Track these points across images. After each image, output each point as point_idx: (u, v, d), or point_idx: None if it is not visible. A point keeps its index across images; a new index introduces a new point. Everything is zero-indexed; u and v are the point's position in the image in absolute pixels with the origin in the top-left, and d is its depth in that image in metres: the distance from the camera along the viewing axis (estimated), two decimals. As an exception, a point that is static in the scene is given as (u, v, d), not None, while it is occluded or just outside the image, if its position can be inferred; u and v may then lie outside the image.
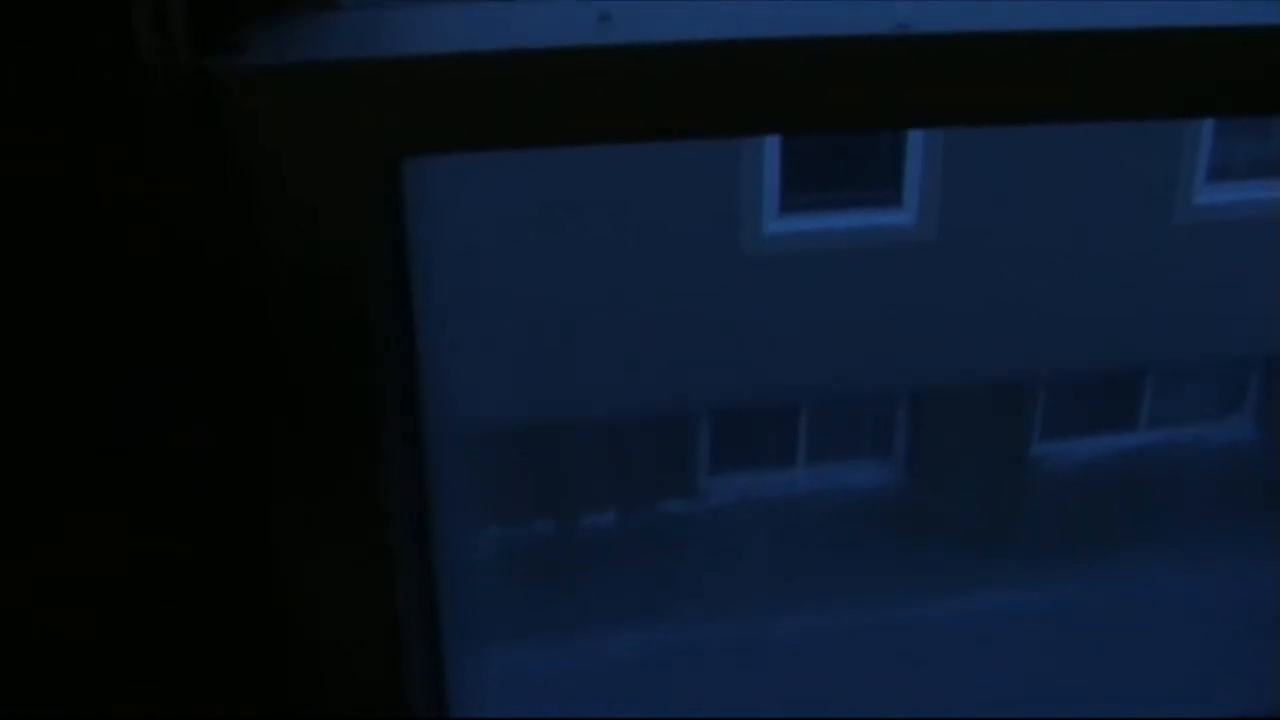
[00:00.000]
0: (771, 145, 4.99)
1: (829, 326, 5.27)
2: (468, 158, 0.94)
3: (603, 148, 0.91)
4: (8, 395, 0.81)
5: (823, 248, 5.25)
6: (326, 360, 0.91)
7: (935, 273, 5.30)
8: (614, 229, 4.90)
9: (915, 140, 5.08)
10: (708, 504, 5.60)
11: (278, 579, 0.96)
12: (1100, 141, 4.99)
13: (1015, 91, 0.88)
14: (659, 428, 5.44)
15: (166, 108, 0.77)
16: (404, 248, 1.05)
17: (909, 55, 0.83)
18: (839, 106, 0.87)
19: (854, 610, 5.59)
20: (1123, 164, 5.16)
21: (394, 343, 0.99)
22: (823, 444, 5.69)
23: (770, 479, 5.68)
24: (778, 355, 5.28)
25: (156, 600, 0.89)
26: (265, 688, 0.97)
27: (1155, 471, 5.80)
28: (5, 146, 0.75)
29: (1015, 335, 5.42)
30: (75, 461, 0.84)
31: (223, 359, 0.83)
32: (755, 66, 0.84)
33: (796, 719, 4.00)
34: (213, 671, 0.93)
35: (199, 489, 0.86)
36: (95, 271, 0.79)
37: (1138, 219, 5.28)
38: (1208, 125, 5.14)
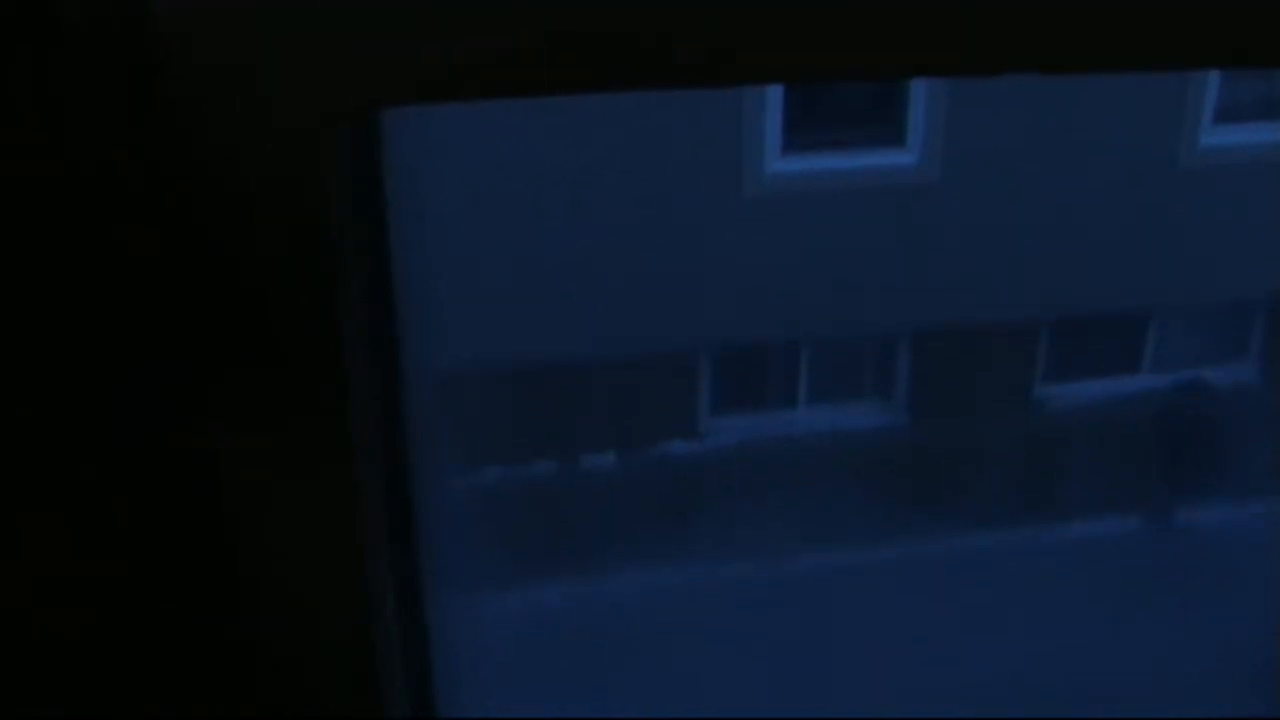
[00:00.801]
0: (774, 86, 4.94)
1: (831, 267, 5.25)
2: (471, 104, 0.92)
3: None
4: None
5: (825, 188, 5.21)
6: (282, 302, 0.89)
7: (937, 213, 5.26)
8: (616, 171, 4.87)
9: (918, 81, 5.03)
10: (709, 445, 5.59)
11: (234, 519, 0.93)
12: (1106, 83, 4.95)
13: (1020, 41, 0.85)
14: (661, 369, 5.42)
15: (105, 44, 0.76)
16: (379, 193, 1.02)
17: (909, 5, 0.81)
18: (840, 55, 0.84)
19: (855, 549, 5.58)
20: (1129, 106, 5.11)
21: (361, 285, 0.97)
22: (824, 385, 5.67)
23: (772, 420, 5.67)
24: (779, 296, 5.26)
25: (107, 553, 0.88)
26: (225, 637, 0.95)
27: (1158, 412, 5.78)
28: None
29: (1018, 277, 5.39)
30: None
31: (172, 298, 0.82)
32: (751, 15, 0.82)
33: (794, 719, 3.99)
34: (172, 619, 0.91)
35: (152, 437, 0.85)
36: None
37: (1143, 161, 5.23)
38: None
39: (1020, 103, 5.09)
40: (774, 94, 5.11)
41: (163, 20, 0.77)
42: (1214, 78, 5.17)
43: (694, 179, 5.04)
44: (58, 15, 0.76)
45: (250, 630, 0.95)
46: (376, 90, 0.87)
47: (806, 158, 5.17)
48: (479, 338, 4.93)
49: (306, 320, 0.87)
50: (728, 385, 5.61)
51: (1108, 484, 5.70)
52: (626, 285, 4.98)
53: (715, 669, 5.01)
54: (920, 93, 5.19)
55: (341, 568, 0.95)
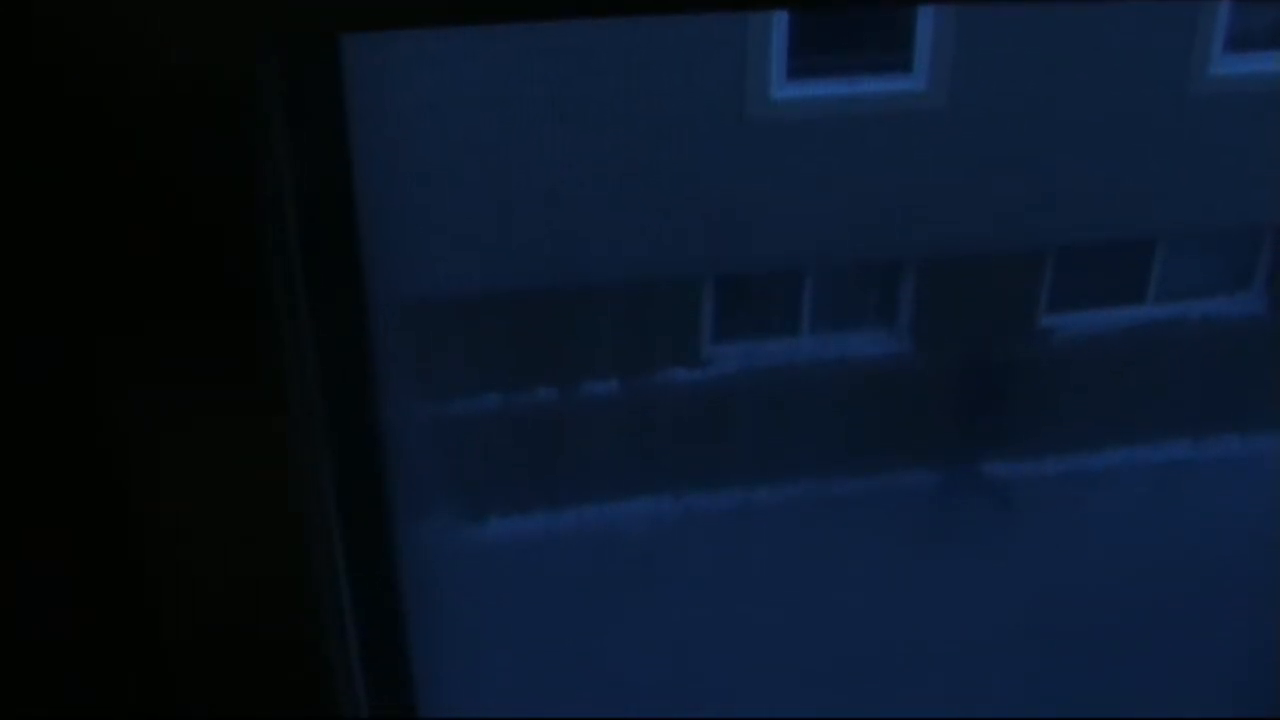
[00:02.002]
0: (778, 11, 4.88)
1: (835, 194, 5.21)
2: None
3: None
4: None
5: (830, 114, 5.16)
6: (200, 244, 0.85)
7: (945, 140, 5.21)
8: (619, 94, 4.82)
9: (926, 6, 4.97)
10: (712, 372, 5.58)
11: (139, 479, 0.90)
12: (1115, 11, 4.88)
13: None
14: (663, 296, 5.40)
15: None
16: (339, 121, 0.99)
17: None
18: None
19: (857, 477, 5.60)
20: (1139, 32, 5.06)
21: (293, 225, 0.93)
22: (828, 312, 5.64)
23: (775, 347, 5.65)
24: (783, 222, 5.22)
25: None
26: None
27: (1163, 344, 5.76)
28: None
29: (1025, 205, 5.34)
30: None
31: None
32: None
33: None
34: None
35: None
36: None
37: (1152, 89, 5.19)
38: (1227, -8, 5.05)
39: (1029, 29, 5.03)
40: (779, 19, 5.05)
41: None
42: (1225, 6, 5.11)
43: (698, 104, 4.99)
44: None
45: (158, 605, 0.91)
46: (307, 16, 0.82)
47: (812, 83, 5.12)
48: (478, 264, 4.90)
49: (227, 260, 0.83)
50: (730, 312, 5.58)
51: (1109, 414, 5.69)
52: (627, 211, 4.94)
53: (716, 598, 5.03)
54: (928, 18, 5.12)
55: (274, 532, 0.91)
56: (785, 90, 5.07)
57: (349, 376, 1.09)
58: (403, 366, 4.76)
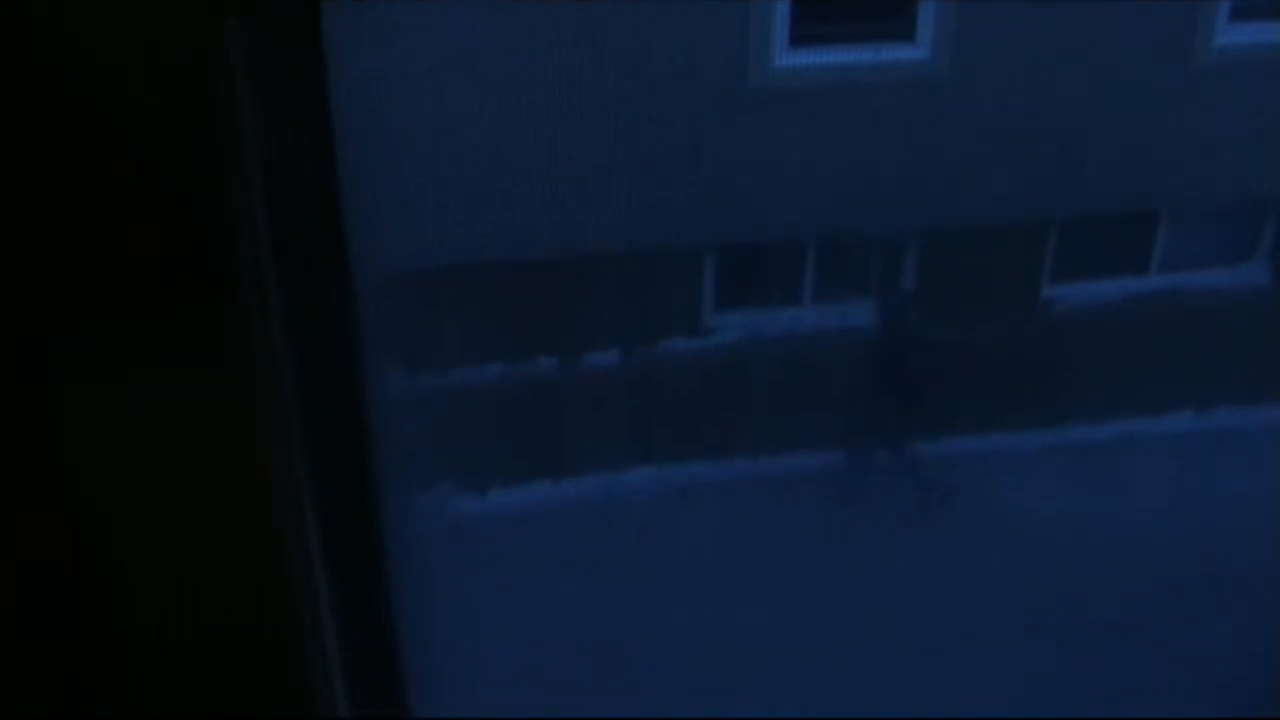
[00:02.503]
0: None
1: (838, 163, 5.18)
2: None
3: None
4: None
5: (833, 82, 5.13)
6: (162, 230, 0.82)
7: (948, 109, 5.19)
8: (616, 61, 4.79)
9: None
10: (714, 341, 5.58)
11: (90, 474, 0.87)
12: (1120, -22, 4.86)
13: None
14: (664, 265, 5.39)
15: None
16: (319, 92, 0.96)
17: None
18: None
19: (860, 448, 5.59)
20: (1143, 4, 5.03)
21: (258, 203, 0.90)
22: (830, 283, 5.63)
23: (777, 317, 5.64)
24: (785, 192, 5.20)
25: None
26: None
27: (1166, 316, 5.75)
28: None
29: (1028, 175, 5.32)
30: None
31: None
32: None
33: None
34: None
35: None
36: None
37: (1157, 58, 5.16)
38: (1235, -39, 5.01)
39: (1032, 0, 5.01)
40: (782, -14, 5.02)
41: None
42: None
43: (698, 71, 4.97)
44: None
45: (123, 604, 0.88)
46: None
47: (814, 51, 5.09)
48: (476, 234, 4.89)
49: (193, 245, 0.80)
50: (732, 282, 5.57)
51: (1112, 386, 5.68)
52: (627, 180, 4.92)
53: (717, 568, 5.03)
54: (932, -15, 5.10)
55: (246, 527, 0.89)
56: (788, 58, 5.05)
57: (333, 353, 1.07)
58: (400, 338, 4.75)
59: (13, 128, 0.72)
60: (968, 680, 4.53)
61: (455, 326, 5.01)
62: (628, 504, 5.33)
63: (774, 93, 5.09)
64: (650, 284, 5.41)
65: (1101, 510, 5.32)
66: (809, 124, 5.14)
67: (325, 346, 1.02)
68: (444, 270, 4.91)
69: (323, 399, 1.04)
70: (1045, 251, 5.68)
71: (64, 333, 0.78)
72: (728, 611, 4.85)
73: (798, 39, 5.03)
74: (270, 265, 0.90)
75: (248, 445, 0.84)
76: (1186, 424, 5.70)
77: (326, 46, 0.96)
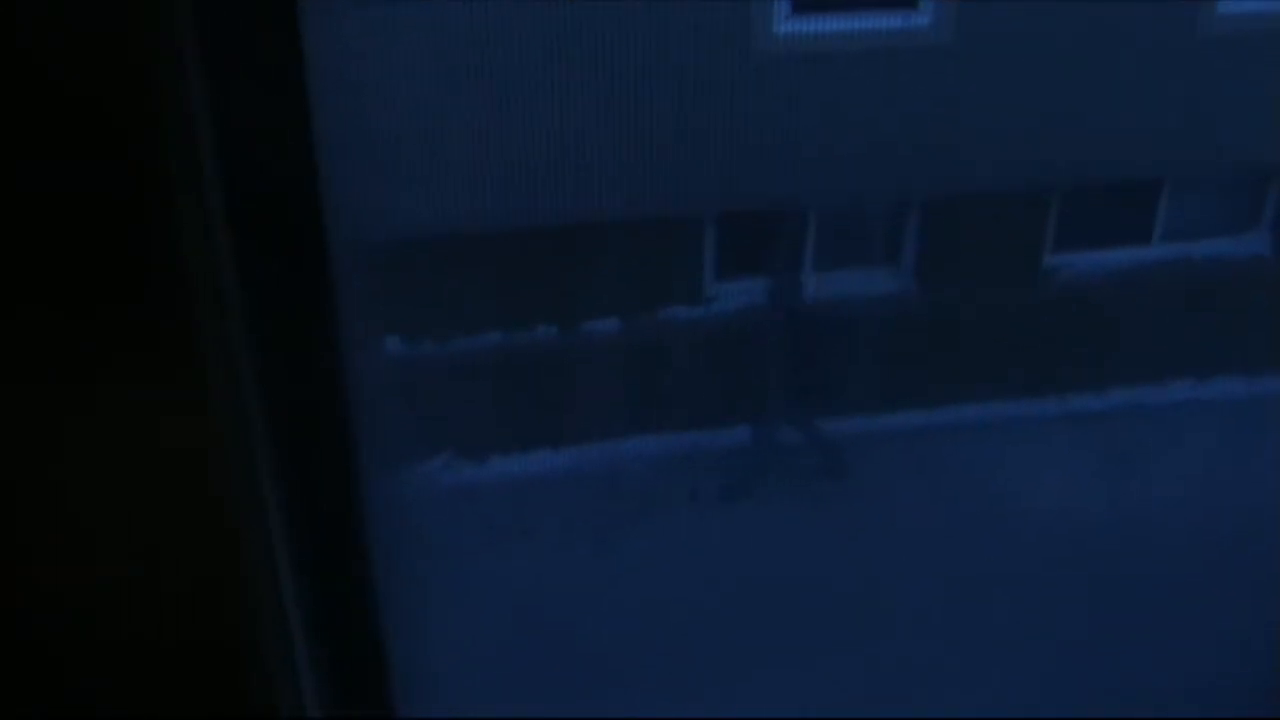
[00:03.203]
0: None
1: (840, 130, 5.16)
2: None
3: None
4: None
5: (835, 49, 5.11)
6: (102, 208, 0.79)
7: (950, 77, 5.16)
8: (622, 30, 4.77)
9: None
10: (715, 309, 5.57)
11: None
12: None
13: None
14: (666, 232, 5.38)
15: None
16: (294, 54, 0.94)
17: None
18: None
19: (860, 416, 5.58)
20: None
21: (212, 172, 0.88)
22: (831, 250, 5.61)
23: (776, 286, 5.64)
24: (787, 159, 5.18)
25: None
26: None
27: (1169, 285, 5.73)
28: None
29: (1031, 143, 5.30)
30: None
31: None
32: None
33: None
34: None
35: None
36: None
37: (1160, 28, 5.13)
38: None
39: (1036, -33, 4.98)
40: (784, -49, 5.00)
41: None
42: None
43: (702, 39, 4.95)
44: None
45: (55, 607, 0.86)
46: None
47: (817, 18, 5.07)
48: (479, 202, 4.88)
49: (130, 229, 0.77)
50: (733, 250, 5.56)
51: (1114, 354, 5.68)
52: (628, 147, 4.91)
53: (715, 539, 5.03)
54: (934, -48, 5.07)
55: (195, 526, 0.86)
56: (790, 25, 5.02)
57: (309, 331, 1.04)
58: (400, 308, 4.75)
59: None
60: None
61: (456, 296, 5.01)
62: (634, 469, 5.33)
63: (776, 59, 5.07)
64: (651, 253, 5.41)
65: (1099, 479, 5.31)
66: (811, 90, 5.11)
67: (300, 325, 1.00)
68: (445, 240, 4.90)
69: (297, 380, 1.01)
70: (1047, 220, 5.66)
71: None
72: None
73: (800, 6, 5.01)
74: (229, 250, 0.87)
75: (195, 439, 0.81)
76: (1187, 393, 5.69)
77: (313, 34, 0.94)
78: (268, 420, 0.99)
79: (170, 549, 0.86)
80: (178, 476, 0.85)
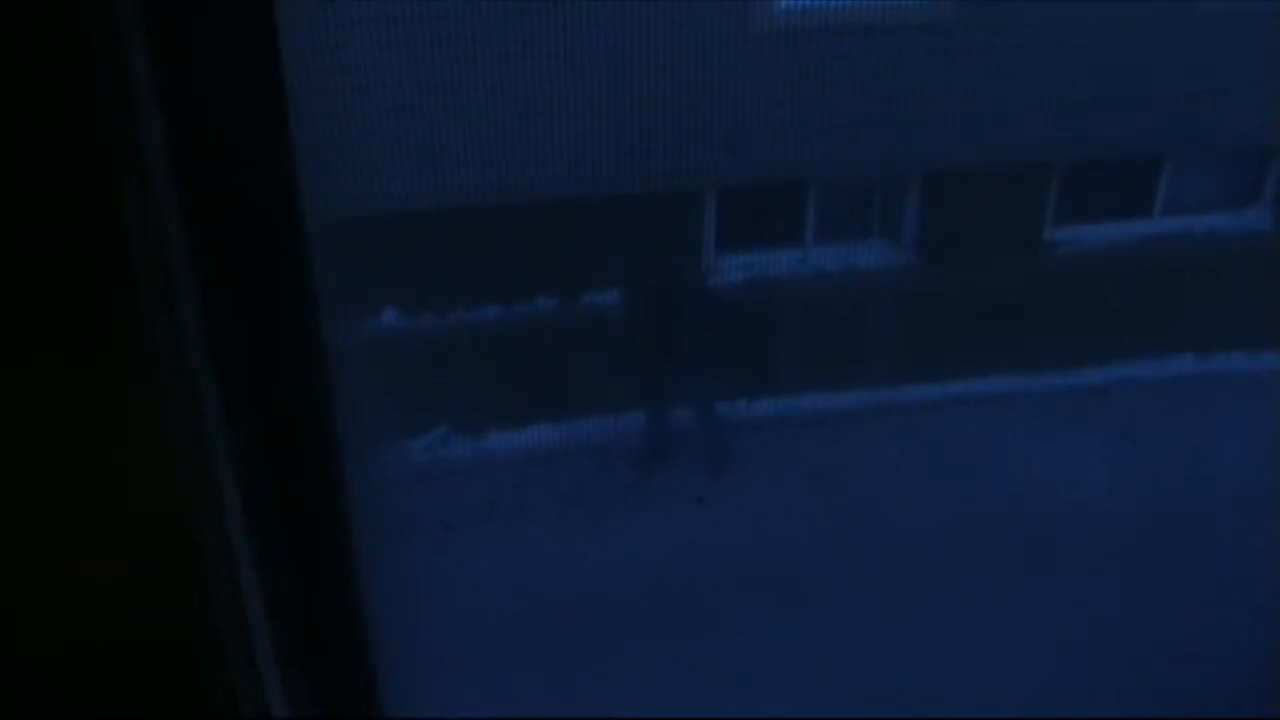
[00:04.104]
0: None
1: (840, 104, 5.15)
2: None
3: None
4: None
5: (835, 23, 5.09)
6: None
7: (951, 50, 5.14)
8: (619, 4, 4.76)
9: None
10: (715, 282, 5.56)
11: None
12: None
13: None
14: (665, 206, 5.37)
15: None
16: (268, 31, 0.93)
17: None
18: None
19: (859, 389, 5.58)
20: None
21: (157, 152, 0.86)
22: (832, 224, 5.60)
23: (778, 258, 5.62)
24: (787, 133, 5.17)
25: None
26: None
27: (1169, 259, 5.72)
28: None
29: (1032, 116, 5.28)
30: None
31: None
32: None
33: None
34: None
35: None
36: None
37: (1161, 1, 5.12)
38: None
39: (1037, -61, 4.96)
40: (784, -76, 4.97)
41: None
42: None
43: (702, 12, 4.93)
44: None
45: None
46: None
47: (817, -9, 5.06)
48: (481, 175, 4.87)
49: (59, 220, 0.75)
50: (734, 223, 5.55)
51: (1114, 328, 5.67)
52: (628, 122, 4.90)
53: (714, 512, 5.03)
54: (935, -75, 5.05)
55: (145, 525, 0.84)
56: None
57: (286, 306, 1.03)
58: (394, 280, 4.74)
59: None
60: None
61: (456, 270, 5.01)
62: (632, 445, 5.34)
63: (776, 33, 5.05)
64: (651, 226, 5.39)
65: (1099, 454, 5.31)
66: (811, 65, 5.10)
67: (274, 308, 0.98)
68: (445, 213, 4.89)
69: (271, 368, 0.99)
70: (1048, 194, 5.65)
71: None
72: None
73: (800, -22, 5.00)
74: (183, 244, 0.85)
75: (146, 438, 0.79)
76: (1188, 368, 5.69)
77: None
78: (231, 414, 0.97)
79: (120, 548, 0.85)
80: (126, 474, 0.84)
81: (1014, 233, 5.69)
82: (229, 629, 0.93)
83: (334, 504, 1.08)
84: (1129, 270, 5.73)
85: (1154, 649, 4.10)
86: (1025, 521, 4.91)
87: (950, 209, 5.63)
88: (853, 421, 5.53)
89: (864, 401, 5.57)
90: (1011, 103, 5.22)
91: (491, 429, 5.08)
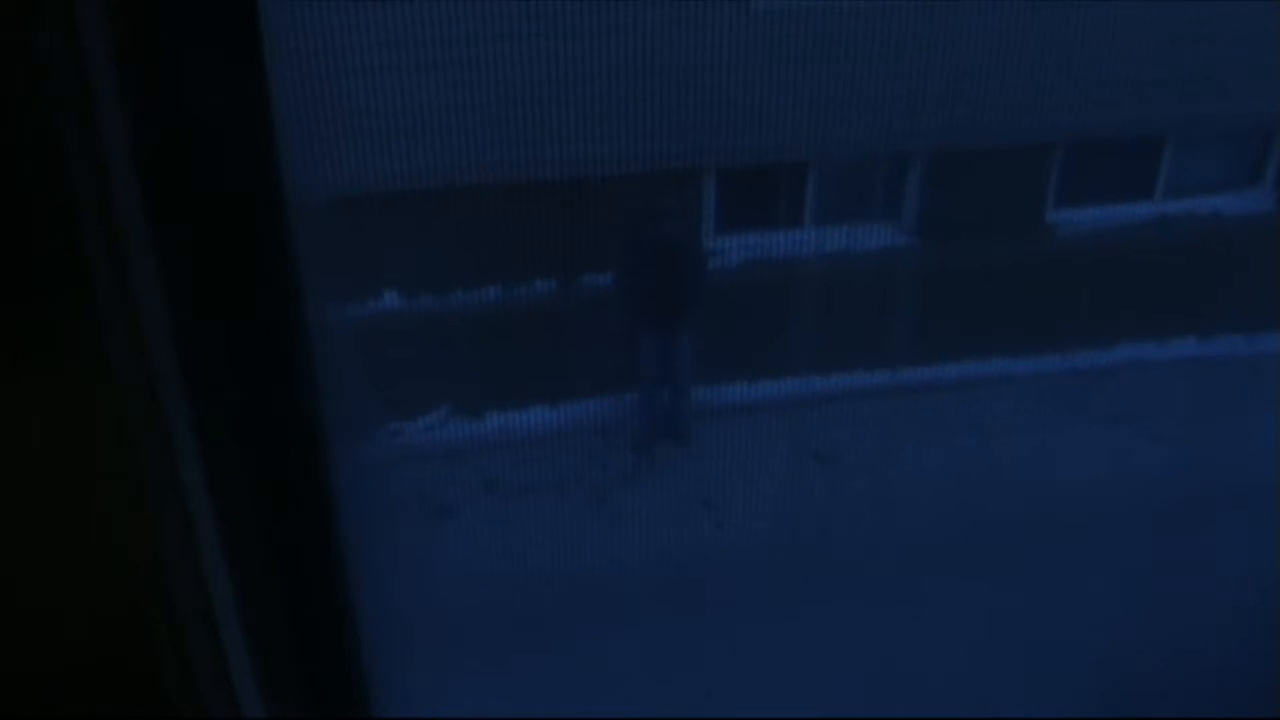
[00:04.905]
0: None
1: (840, 84, 5.13)
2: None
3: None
4: None
5: (833, 6, 5.07)
6: None
7: (950, 29, 5.12)
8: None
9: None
10: (715, 263, 5.56)
11: None
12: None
13: None
14: (665, 187, 5.36)
15: None
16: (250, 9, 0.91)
17: None
18: None
19: (860, 371, 5.57)
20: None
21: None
22: (832, 205, 5.59)
23: (779, 239, 5.60)
24: (787, 113, 5.15)
25: None
26: None
27: (1171, 240, 5.71)
28: None
29: (1033, 96, 5.26)
30: None
31: None
32: None
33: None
34: None
35: None
36: None
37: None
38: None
39: (1036, -85, 4.93)
40: (784, -96, 4.95)
41: None
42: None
43: (701, -6, 4.92)
44: None
45: None
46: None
47: (816, -30, 5.03)
48: (479, 154, 4.86)
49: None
50: (733, 204, 5.54)
51: (1115, 310, 5.66)
52: (627, 101, 4.88)
53: (712, 491, 5.03)
54: (934, -98, 5.02)
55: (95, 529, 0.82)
56: (790, -23, 4.99)
57: (267, 289, 1.01)
58: (393, 260, 4.73)
59: None
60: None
61: (454, 250, 5.00)
62: (632, 425, 5.34)
63: (776, 13, 5.03)
64: (653, 205, 5.38)
65: (1099, 435, 5.31)
66: (811, 44, 5.08)
67: (253, 292, 0.96)
68: (443, 194, 4.88)
69: (251, 353, 0.97)
70: (1049, 175, 5.63)
71: None
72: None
73: (799, -42, 4.98)
74: (144, 236, 0.83)
75: (93, 439, 0.77)
76: (1189, 350, 5.68)
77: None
78: (204, 409, 0.95)
79: (72, 554, 0.83)
80: (78, 476, 0.82)
81: (1015, 215, 5.68)
82: (195, 630, 0.91)
83: (318, 495, 1.06)
84: (1130, 252, 5.71)
85: (1155, 629, 4.11)
86: (1023, 501, 4.92)
87: (951, 190, 5.61)
88: (854, 402, 5.52)
89: (865, 383, 5.56)
90: (1012, 83, 5.20)
91: (491, 410, 5.08)
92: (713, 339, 5.46)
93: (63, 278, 0.76)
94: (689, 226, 5.43)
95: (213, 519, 0.96)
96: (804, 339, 5.53)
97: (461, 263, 5.05)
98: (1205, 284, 5.62)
